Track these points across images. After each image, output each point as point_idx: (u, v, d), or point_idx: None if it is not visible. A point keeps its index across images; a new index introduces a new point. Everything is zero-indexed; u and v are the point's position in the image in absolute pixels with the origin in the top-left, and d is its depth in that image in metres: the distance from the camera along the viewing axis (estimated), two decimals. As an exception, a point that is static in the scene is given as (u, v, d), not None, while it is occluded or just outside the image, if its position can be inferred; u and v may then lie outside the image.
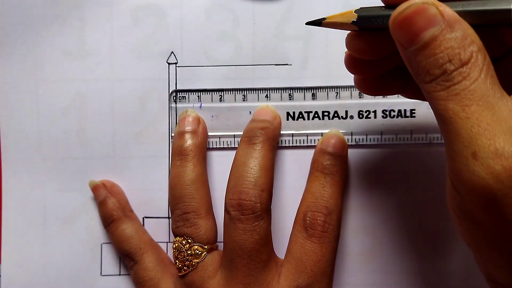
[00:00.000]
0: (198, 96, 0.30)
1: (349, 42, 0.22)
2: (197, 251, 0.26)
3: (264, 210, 0.25)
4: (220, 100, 0.30)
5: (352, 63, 0.23)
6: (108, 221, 0.29)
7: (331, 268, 0.26)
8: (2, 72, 0.30)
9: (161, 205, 0.30)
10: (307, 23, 0.23)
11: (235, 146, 0.29)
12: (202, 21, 0.30)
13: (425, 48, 0.18)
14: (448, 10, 0.18)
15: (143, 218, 0.30)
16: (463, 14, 0.18)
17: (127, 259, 0.29)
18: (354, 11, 0.21)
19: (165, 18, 0.30)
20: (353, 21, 0.21)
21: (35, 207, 0.30)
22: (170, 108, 0.30)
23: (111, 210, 0.29)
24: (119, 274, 0.30)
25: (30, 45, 0.30)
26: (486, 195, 0.17)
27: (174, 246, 0.27)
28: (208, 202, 0.27)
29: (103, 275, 0.30)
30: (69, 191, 0.30)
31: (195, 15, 0.30)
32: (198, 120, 0.29)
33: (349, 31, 0.22)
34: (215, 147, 0.30)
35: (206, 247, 0.26)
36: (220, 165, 0.30)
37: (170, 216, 0.30)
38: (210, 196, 0.28)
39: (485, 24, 0.18)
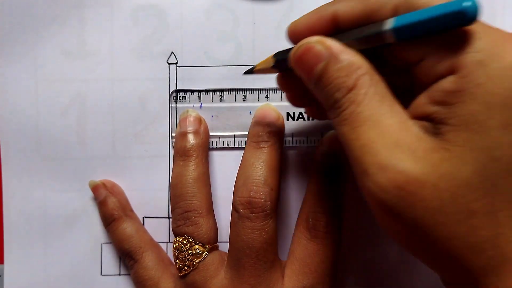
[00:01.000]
0: (198, 96, 0.30)
1: (278, 82, 0.25)
2: (198, 251, 0.26)
3: (272, 209, 0.25)
4: (220, 100, 0.30)
5: (291, 99, 0.25)
6: (109, 221, 0.29)
7: (334, 268, 0.26)
8: (1, 71, 0.30)
9: (161, 205, 0.30)
10: (244, 73, 0.27)
11: (235, 146, 0.30)
12: (202, 21, 0.30)
13: (319, 82, 0.20)
14: (333, 44, 0.20)
15: (143, 218, 0.30)
16: (351, 43, 0.20)
17: (127, 258, 0.29)
18: (272, 56, 0.24)
19: (165, 18, 0.30)
20: (273, 65, 0.24)
21: (36, 207, 0.30)
22: (170, 108, 0.30)
23: (112, 209, 0.29)
24: (119, 274, 0.30)
25: (30, 45, 0.30)
26: (382, 207, 0.18)
27: (174, 246, 0.27)
28: (209, 202, 0.27)
29: (103, 275, 0.30)
30: (69, 191, 0.30)
31: (195, 15, 0.30)
32: (199, 120, 0.29)
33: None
34: (215, 147, 0.30)
35: (207, 246, 0.26)
36: (220, 165, 0.30)
37: (170, 216, 0.30)
38: (211, 196, 0.28)
39: (370, 47, 0.20)
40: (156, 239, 0.30)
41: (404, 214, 0.18)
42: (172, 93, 0.30)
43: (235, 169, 0.29)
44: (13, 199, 0.30)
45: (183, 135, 0.28)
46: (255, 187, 0.25)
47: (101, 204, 0.29)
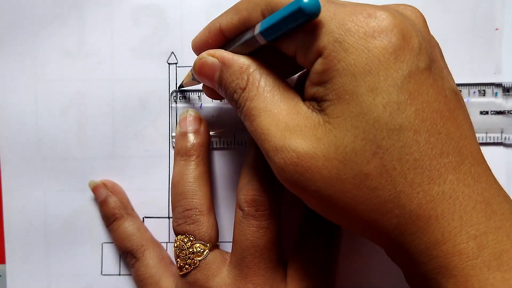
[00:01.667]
0: (198, 96, 0.30)
1: (203, 88, 0.26)
2: (199, 249, 0.26)
3: (277, 208, 0.25)
4: (221, 100, 0.30)
5: (210, 95, 0.26)
6: (111, 220, 0.29)
7: (336, 270, 0.26)
8: (1, 71, 0.30)
9: (161, 205, 0.30)
10: (178, 88, 0.29)
11: (235, 146, 0.30)
12: (202, 21, 0.30)
13: (220, 88, 0.23)
14: (222, 54, 0.23)
15: (143, 218, 0.30)
16: (238, 49, 0.23)
17: (128, 256, 0.29)
18: (190, 70, 0.27)
19: (165, 18, 0.30)
20: (192, 78, 0.26)
21: (36, 207, 0.30)
22: (170, 108, 0.30)
23: (113, 208, 0.29)
24: (119, 274, 0.30)
25: (29, 44, 0.30)
26: (288, 184, 0.20)
27: (175, 244, 0.27)
28: (210, 201, 0.27)
29: (103, 275, 0.30)
30: (69, 191, 0.30)
31: (195, 15, 0.30)
32: (199, 120, 0.29)
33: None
34: (215, 147, 0.30)
35: (208, 245, 0.26)
36: (221, 165, 0.30)
37: (170, 216, 0.30)
38: (211, 195, 0.28)
39: (253, 50, 0.22)
40: (156, 239, 0.30)
41: (308, 187, 0.20)
42: (172, 93, 0.30)
43: (235, 169, 0.30)
44: (13, 199, 0.30)
45: (183, 135, 0.28)
46: (260, 186, 0.25)
47: (102, 203, 0.29)
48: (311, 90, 0.20)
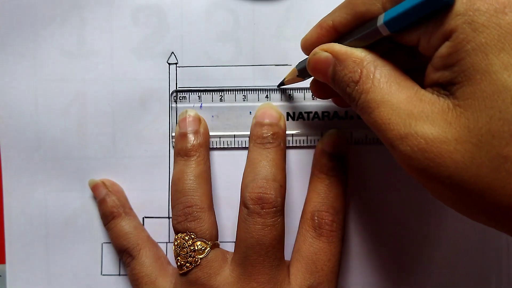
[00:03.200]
0: (199, 96, 0.30)
1: (310, 87, 0.27)
2: (200, 247, 0.26)
3: (282, 206, 0.25)
4: (221, 100, 0.30)
5: (318, 95, 0.27)
6: (109, 219, 0.29)
7: (338, 267, 0.26)
8: (1, 71, 0.30)
9: (161, 205, 0.30)
10: (278, 86, 0.29)
11: (236, 146, 0.30)
12: (202, 22, 0.30)
13: (333, 82, 0.23)
14: (336, 48, 0.22)
15: (143, 218, 0.30)
16: (353, 43, 0.22)
17: (125, 254, 0.29)
18: (295, 67, 0.27)
19: (165, 18, 0.30)
20: (297, 75, 0.27)
21: (36, 207, 0.30)
22: (170, 108, 0.30)
23: (111, 207, 0.29)
24: (119, 274, 0.30)
25: (29, 44, 0.30)
26: (417, 173, 0.19)
27: (175, 243, 0.26)
28: (210, 199, 0.27)
29: (103, 275, 0.30)
30: (70, 191, 0.30)
31: (195, 15, 0.30)
32: (198, 120, 0.29)
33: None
34: (215, 147, 0.30)
35: (209, 243, 0.26)
36: (220, 165, 0.30)
37: (170, 216, 0.30)
38: (212, 194, 0.28)
39: (371, 42, 0.22)
40: (156, 239, 0.30)
41: (439, 173, 0.18)
42: (172, 93, 0.30)
43: (235, 169, 0.30)
44: (13, 199, 0.30)
45: (183, 135, 0.28)
46: (265, 183, 0.25)
47: (100, 202, 0.29)
48: (434, 75, 0.20)
